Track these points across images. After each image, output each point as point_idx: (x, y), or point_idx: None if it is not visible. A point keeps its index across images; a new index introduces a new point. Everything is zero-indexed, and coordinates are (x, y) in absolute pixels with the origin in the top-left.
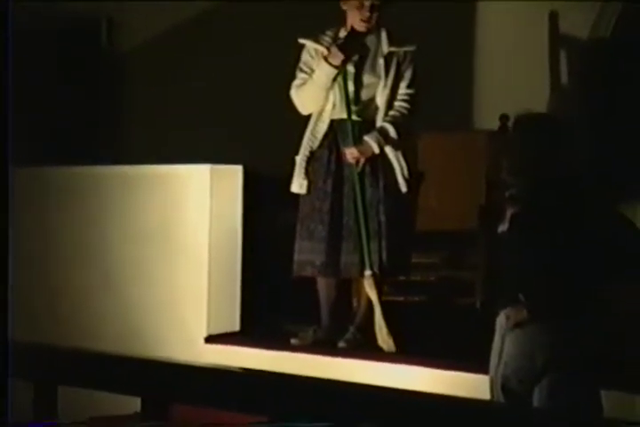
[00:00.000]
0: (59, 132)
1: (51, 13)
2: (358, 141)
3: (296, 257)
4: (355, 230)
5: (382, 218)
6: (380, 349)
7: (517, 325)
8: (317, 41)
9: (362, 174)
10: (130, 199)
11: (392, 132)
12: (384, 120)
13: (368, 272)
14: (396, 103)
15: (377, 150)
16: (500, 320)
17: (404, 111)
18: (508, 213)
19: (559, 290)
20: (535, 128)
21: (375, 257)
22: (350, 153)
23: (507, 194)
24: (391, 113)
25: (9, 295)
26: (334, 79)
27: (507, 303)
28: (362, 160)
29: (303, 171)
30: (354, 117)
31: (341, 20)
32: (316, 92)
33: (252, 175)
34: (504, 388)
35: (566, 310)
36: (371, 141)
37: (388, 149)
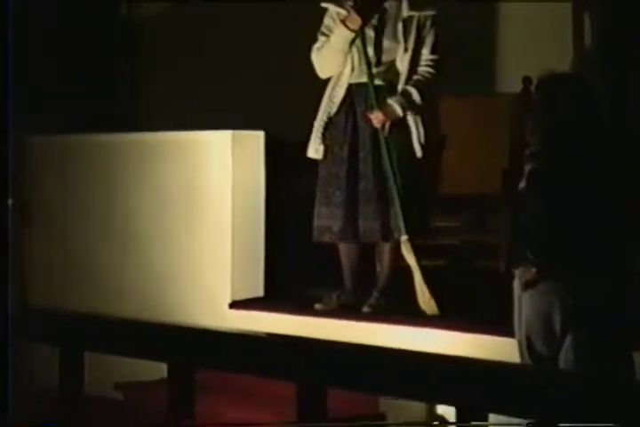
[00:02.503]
0: (80, 100)
1: None
2: (382, 105)
3: (315, 223)
4: (373, 195)
5: (400, 183)
6: (414, 312)
7: (528, 284)
8: (339, 4)
9: (379, 139)
10: (152, 166)
11: (416, 95)
12: (407, 84)
13: (404, 237)
14: (420, 68)
15: (401, 114)
16: (515, 281)
17: (429, 76)
18: (526, 169)
19: (569, 247)
20: (556, 86)
21: (396, 222)
22: (376, 117)
23: (527, 152)
24: (415, 77)
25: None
26: (352, 43)
27: (519, 263)
28: (387, 124)
29: (320, 136)
30: (376, 82)
31: None
32: (333, 56)
33: (273, 141)
34: (530, 350)
35: (577, 267)
36: (395, 105)
37: (409, 115)
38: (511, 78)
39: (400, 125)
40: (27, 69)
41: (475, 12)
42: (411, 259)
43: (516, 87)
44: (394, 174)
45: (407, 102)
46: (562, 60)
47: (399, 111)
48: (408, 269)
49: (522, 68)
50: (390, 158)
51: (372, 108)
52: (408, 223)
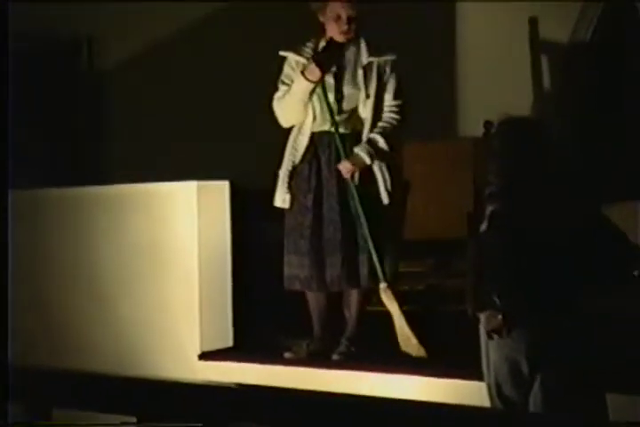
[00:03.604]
0: (44, 154)
1: (31, 33)
2: (349, 154)
3: (285, 272)
4: (340, 244)
5: (370, 231)
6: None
7: (494, 329)
8: (298, 53)
9: (345, 187)
10: (118, 218)
11: (382, 143)
12: (373, 131)
13: (383, 285)
14: (385, 114)
15: (369, 162)
16: (481, 327)
17: (393, 122)
18: (487, 210)
19: (532, 290)
20: (514, 130)
21: (364, 269)
22: (345, 167)
23: (487, 192)
24: (380, 124)
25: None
26: (313, 91)
27: (483, 307)
28: (356, 173)
29: (286, 185)
30: (340, 130)
31: (322, 30)
32: (294, 105)
33: (239, 190)
34: (499, 394)
35: (541, 310)
36: (362, 154)
37: (375, 162)
38: (472, 122)
39: (366, 173)
40: None
41: (435, 56)
42: (392, 305)
43: (478, 131)
44: (364, 222)
45: (374, 150)
46: (522, 103)
47: (367, 160)
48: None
49: (483, 113)
50: (359, 206)
51: (338, 158)
52: (377, 270)
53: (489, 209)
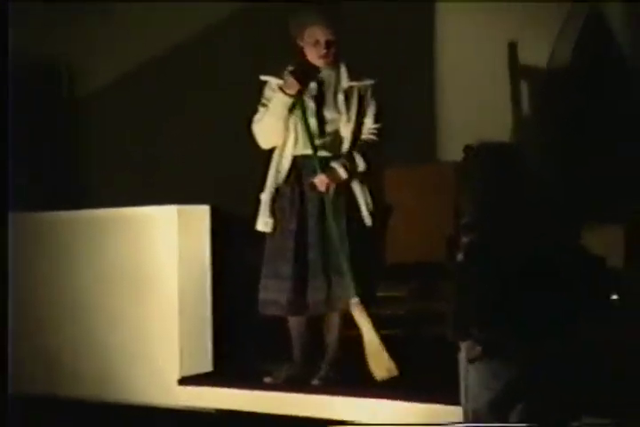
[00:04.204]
0: (21, 179)
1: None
2: (326, 169)
3: (261, 296)
4: (320, 267)
5: (349, 252)
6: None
7: (474, 359)
8: (279, 76)
9: (328, 207)
10: (97, 243)
11: (359, 159)
12: (351, 150)
13: (355, 299)
14: (364, 137)
15: (344, 175)
16: (461, 354)
17: (372, 143)
18: (463, 241)
19: (512, 322)
20: (490, 157)
21: (343, 290)
22: (320, 180)
23: (462, 221)
24: (359, 144)
25: None
26: (291, 112)
27: (463, 337)
28: (332, 187)
29: (268, 209)
30: (321, 153)
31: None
32: (274, 124)
33: (219, 215)
34: (476, 421)
35: (521, 342)
36: (338, 168)
37: (355, 184)
38: (453, 147)
39: (347, 194)
40: None
41: (413, 81)
42: (363, 320)
43: (458, 155)
44: (342, 241)
45: (350, 165)
46: (502, 127)
47: (342, 173)
48: (358, 339)
49: (463, 137)
50: (337, 225)
51: (314, 173)
52: (357, 289)
53: (464, 240)
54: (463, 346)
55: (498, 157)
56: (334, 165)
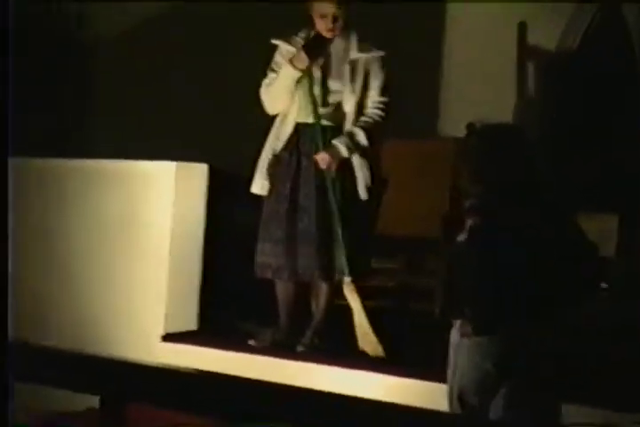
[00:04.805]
0: (25, 124)
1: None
2: (327, 146)
3: (257, 259)
4: (313, 235)
5: (344, 224)
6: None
7: (463, 337)
8: (289, 42)
9: (324, 179)
10: (93, 194)
11: (362, 137)
12: (354, 125)
13: (347, 279)
14: (368, 110)
15: (346, 155)
16: (453, 332)
17: (377, 118)
18: (468, 223)
19: (505, 302)
20: (494, 137)
21: (336, 263)
22: (322, 158)
23: (467, 204)
24: (362, 119)
25: None
26: (299, 82)
27: (457, 315)
28: (334, 165)
29: (265, 172)
30: (323, 122)
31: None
32: (281, 93)
33: (217, 174)
34: (461, 399)
35: (511, 323)
36: (340, 146)
37: (355, 157)
38: (455, 123)
39: (345, 167)
40: None
41: (421, 56)
42: (354, 300)
43: (460, 132)
44: (338, 216)
45: (353, 143)
46: (505, 106)
47: (344, 152)
48: (345, 308)
49: (466, 114)
50: (334, 199)
51: (317, 149)
52: (351, 265)
53: (469, 222)
54: (456, 324)
55: (500, 138)
56: (336, 142)
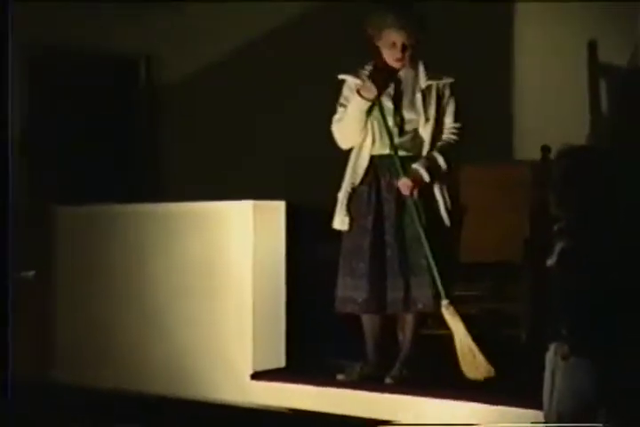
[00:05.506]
0: (100, 171)
1: (86, 49)
2: (408, 171)
3: (338, 294)
4: (398, 266)
5: (428, 252)
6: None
7: (563, 359)
8: (357, 76)
9: (407, 207)
10: (173, 237)
11: (441, 160)
12: (432, 151)
13: (445, 302)
14: (444, 136)
15: (427, 178)
16: (549, 355)
17: (453, 143)
18: (557, 247)
19: (604, 326)
20: (580, 161)
21: (422, 291)
22: (404, 184)
23: (555, 227)
24: (439, 144)
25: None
26: (369, 113)
27: (553, 338)
28: (415, 191)
29: (345, 207)
30: (400, 153)
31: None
32: (352, 126)
33: (294, 211)
34: (560, 421)
35: (612, 346)
36: (421, 169)
37: (435, 184)
38: (529, 147)
39: (426, 194)
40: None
41: (493, 80)
42: (455, 323)
43: (535, 155)
44: (421, 242)
45: (433, 167)
46: (579, 128)
47: (426, 176)
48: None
49: (540, 137)
50: (419, 226)
51: (397, 176)
52: (435, 293)
53: (559, 246)
54: (552, 347)
55: (592, 160)
56: (417, 166)
